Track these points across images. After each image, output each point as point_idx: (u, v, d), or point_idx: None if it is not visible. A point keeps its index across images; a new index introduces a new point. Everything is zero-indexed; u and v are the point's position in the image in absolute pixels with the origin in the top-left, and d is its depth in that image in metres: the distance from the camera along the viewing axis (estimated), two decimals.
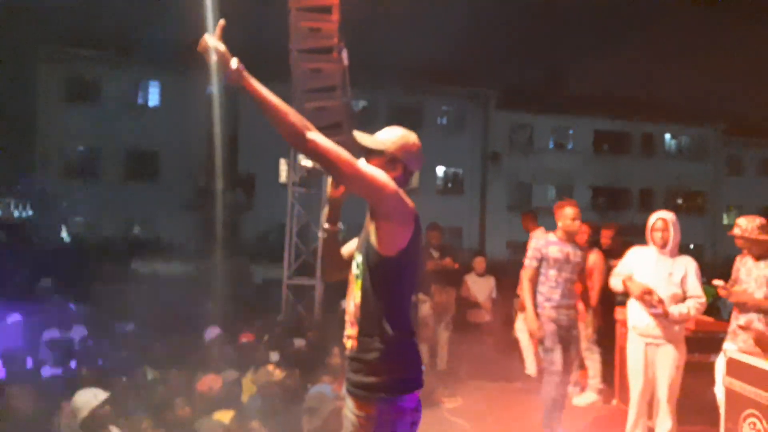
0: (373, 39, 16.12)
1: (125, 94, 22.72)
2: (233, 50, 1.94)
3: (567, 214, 4.51)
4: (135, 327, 6.26)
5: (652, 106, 26.89)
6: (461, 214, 25.00)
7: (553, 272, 4.46)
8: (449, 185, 26.33)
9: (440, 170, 25.98)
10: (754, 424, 3.65)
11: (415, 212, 2.15)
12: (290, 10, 5.59)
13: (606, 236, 6.37)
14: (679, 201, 28.16)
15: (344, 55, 5.95)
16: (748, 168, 29.11)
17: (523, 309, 6.39)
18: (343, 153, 1.98)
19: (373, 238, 2.13)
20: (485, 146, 25.78)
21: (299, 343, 5.64)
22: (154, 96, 23.49)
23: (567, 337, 4.45)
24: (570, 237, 4.53)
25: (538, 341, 4.64)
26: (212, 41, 1.92)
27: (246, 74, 1.92)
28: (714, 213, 28.43)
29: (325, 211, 2.37)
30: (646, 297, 4.12)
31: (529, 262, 4.57)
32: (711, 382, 4.36)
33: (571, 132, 27.38)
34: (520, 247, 6.82)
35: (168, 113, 22.09)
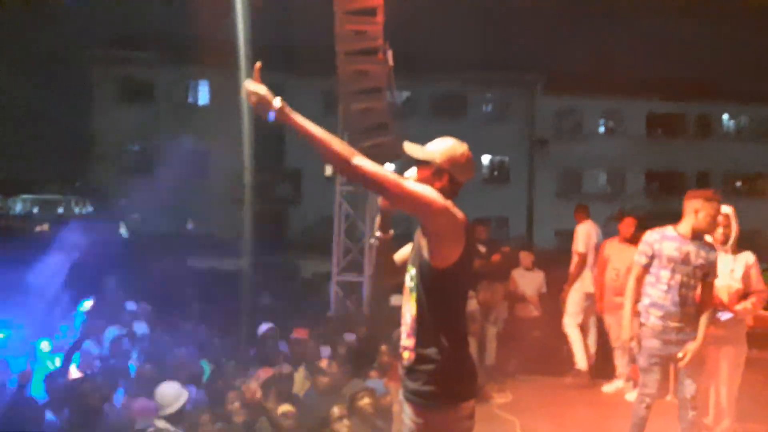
0: (414, 28, 16.04)
1: (176, 94, 23.44)
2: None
3: (717, 208, 3.76)
4: (193, 323, 6.52)
5: (708, 85, 25.75)
6: (507, 204, 24.69)
7: (665, 273, 3.76)
8: (495, 174, 26.01)
9: (486, 159, 25.69)
10: None
11: (466, 223, 2.20)
12: (336, 13, 5.67)
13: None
14: (738, 184, 26.97)
15: (389, 55, 6.00)
16: None
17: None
18: (389, 175, 2.06)
19: (425, 252, 2.19)
20: (531, 133, 25.30)
21: (350, 338, 5.77)
22: (203, 95, 24.15)
23: (671, 357, 3.81)
24: (697, 235, 3.76)
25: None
26: (252, 86, 2.02)
27: (288, 110, 2.02)
28: None
29: (377, 219, 2.43)
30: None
31: (638, 257, 3.92)
32: None
33: (622, 115, 26.52)
34: (569, 236, 6.76)
35: (217, 111, 22.66)
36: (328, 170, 6.48)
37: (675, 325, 3.75)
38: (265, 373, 4.35)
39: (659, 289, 3.80)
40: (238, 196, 22.51)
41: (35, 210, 26.49)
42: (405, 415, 2.28)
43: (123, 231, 21.97)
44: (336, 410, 3.58)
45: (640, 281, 3.91)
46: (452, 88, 24.51)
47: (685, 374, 3.79)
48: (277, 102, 2.01)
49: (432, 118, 23.34)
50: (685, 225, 3.77)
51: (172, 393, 3.50)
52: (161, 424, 3.35)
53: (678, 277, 3.74)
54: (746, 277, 4.08)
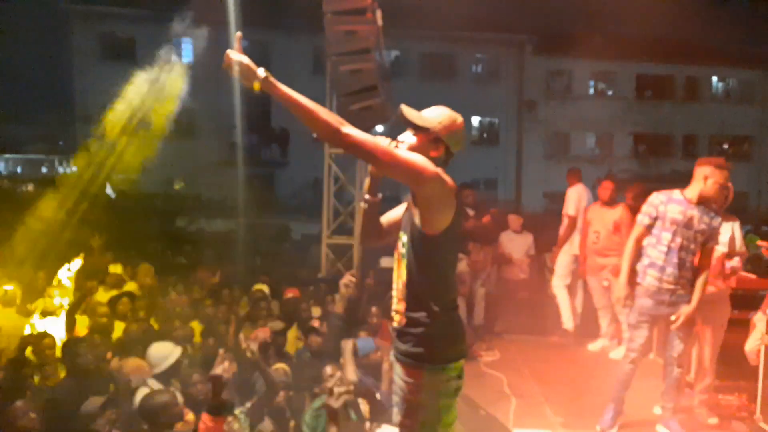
0: None
1: (158, 51, 22.86)
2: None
3: (718, 174, 3.76)
4: (185, 285, 6.53)
5: (698, 48, 25.60)
6: (497, 165, 24.71)
7: (667, 235, 3.83)
8: (484, 135, 25.91)
9: (475, 120, 25.53)
10: None
11: (456, 190, 2.21)
12: None
13: (629, 197, 6.19)
14: (725, 147, 27.14)
15: (378, 15, 5.87)
16: None
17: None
18: (379, 143, 2.05)
19: (417, 219, 2.20)
20: (521, 94, 25.11)
21: (348, 281, 5.80)
22: (187, 53, 23.57)
23: (666, 316, 3.89)
24: (703, 201, 3.81)
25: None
26: (235, 56, 1.98)
27: (273, 81, 1.99)
28: (761, 159, 27.33)
29: (366, 182, 2.43)
30: None
31: (641, 218, 3.97)
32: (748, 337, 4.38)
33: (612, 77, 26.36)
34: (558, 198, 6.80)
35: (202, 70, 22.18)
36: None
37: (670, 287, 3.85)
38: (263, 332, 4.39)
39: (659, 251, 3.87)
40: (225, 157, 22.35)
41: (19, 170, 26.09)
42: (396, 374, 2.34)
43: (109, 191, 21.73)
44: (328, 369, 3.64)
45: (639, 241, 3.96)
46: (442, 48, 24.11)
47: (675, 335, 3.89)
48: (261, 72, 1.98)
49: (421, 79, 23.03)
50: (693, 190, 3.83)
51: (161, 352, 3.53)
52: (152, 383, 3.39)
53: (679, 240, 3.82)
54: (732, 241, 4.16)
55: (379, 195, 2.44)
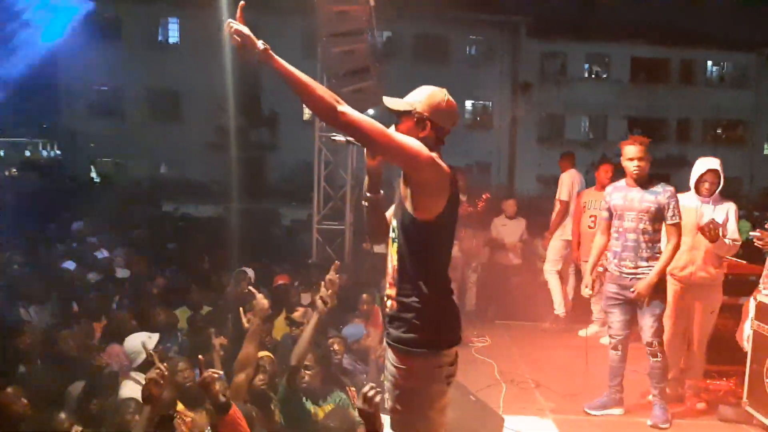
0: None
1: (145, 32, 22.45)
2: None
3: (625, 153, 3.96)
4: (171, 270, 6.47)
5: (694, 31, 25.46)
6: (490, 149, 24.62)
7: (616, 222, 4.03)
8: (478, 119, 25.79)
9: (468, 104, 25.39)
10: None
11: (451, 175, 2.16)
12: None
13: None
14: (719, 131, 27.15)
15: None
16: None
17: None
18: (375, 124, 1.99)
19: (408, 204, 2.15)
20: (515, 77, 24.94)
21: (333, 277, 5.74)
22: (174, 33, 23.21)
23: (632, 300, 3.96)
24: (638, 180, 3.95)
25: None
26: (236, 25, 1.93)
27: (272, 54, 1.93)
28: (754, 143, 27.38)
29: (366, 180, 2.37)
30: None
31: (599, 213, 4.22)
32: (738, 323, 4.37)
33: (607, 60, 26.22)
34: (551, 182, 6.75)
35: (188, 51, 21.86)
36: (307, 114, 6.27)
37: (629, 270, 3.96)
38: (246, 319, 4.32)
39: (614, 238, 4.07)
40: (213, 139, 22.14)
41: (1, 153, 25.76)
42: (388, 360, 2.31)
43: (94, 175, 21.51)
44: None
45: (603, 233, 4.19)
46: (435, 29, 23.86)
47: (645, 321, 3.94)
48: (260, 44, 1.93)
49: (414, 60, 22.82)
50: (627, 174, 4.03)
51: (136, 344, 3.48)
52: (136, 375, 3.34)
53: (626, 223, 3.97)
54: (724, 226, 4.12)
55: (381, 192, 2.39)
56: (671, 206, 3.86)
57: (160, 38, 23.13)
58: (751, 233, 3.96)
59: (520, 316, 6.51)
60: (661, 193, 3.88)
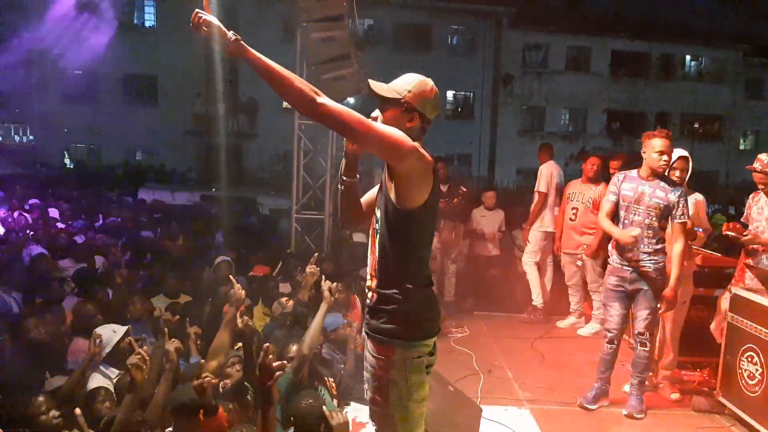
0: None
1: (120, 15, 21.90)
2: None
3: (653, 145, 3.79)
4: (149, 258, 6.35)
5: (674, 25, 25.73)
6: (471, 140, 24.63)
7: (622, 213, 3.93)
8: (459, 110, 25.77)
9: (450, 94, 25.35)
10: (752, 357, 3.75)
11: (434, 164, 2.13)
12: None
13: (614, 167, 6.26)
14: (696, 126, 27.53)
15: None
16: None
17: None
18: (355, 115, 1.93)
19: (392, 194, 2.12)
20: (497, 68, 24.95)
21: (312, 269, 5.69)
22: (150, 16, 22.70)
23: (631, 293, 3.94)
24: (654, 173, 3.84)
25: None
26: (204, 15, 1.86)
27: (244, 45, 1.86)
28: (730, 138, 27.84)
29: (343, 163, 2.32)
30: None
31: (607, 196, 4.08)
32: (713, 315, 4.44)
33: (588, 53, 26.36)
34: (531, 174, 6.75)
35: (165, 35, 21.43)
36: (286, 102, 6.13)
37: (629, 264, 3.90)
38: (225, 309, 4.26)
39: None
40: (190, 126, 21.79)
41: None
42: (367, 350, 2.30)
43: (67, 161, 21.04)
44: (293, 348, 3.55)
45: (608, 216, 4.03)
46: (417, 18, 23.72)
47: (639, 313, 3.93)
48: (231, 34, 1.85)
49: (395, 49, 22.68)
50: (643, 166, 3.91)
51: (106, 335, 3.42)
52: (104, 368, 3.28)
53: (632, 216, 3.87)
54: (694, 218, 4.16)
55: (357, 176, 2.34)
56: (681, 205, 3.80)
57: (136, 21, 22.61)
58: (726, 231, 4.00)
59: (499, 307, 6.53)
60: (672, 191, 3.81)
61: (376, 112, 2.19)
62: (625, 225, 3.89)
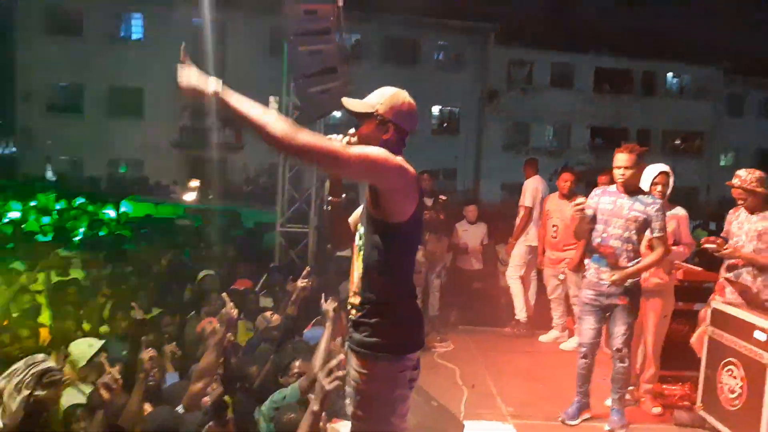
0: None
1: (107, 27, 21.88)
2: None
3: (614, 160, 3.88)
4: (129, 271, 6.28)
5: (656, 43, 26.19)
6: (456, 155, 24.78)
7: (600, 226, 3.94)
8: (444, 125, 25.94)
9: (436, 109, 25.53)
10: (732, 371, 3.77)
11: (417, 178, 2.14)
12: None
13: (602, 182, 6.34)
14: (677, 142, 27.98)
15: None
16: (749, 109, 28.83)
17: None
18: (337, 147, 1.92)
19: (377, 209, 2.12)
20: (483, 84, 25.21)
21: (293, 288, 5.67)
22: (137, 29, 22.66)
23: (606, 307, 3.95)
24: (628, 188, 3.87)
25: None
26: (184, 80, 1.88)
27: (225, 93, 1.85)
28: (711, 155, 28.32)
29: (328, 184, 2.35)
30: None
31: (585, 211, 4.11)
32: (694, 329, 4.47)
33: (571, 70, 26.75)
34: (515, 189, 6.79)
35: (151, 47, 21.39)
36: None
37: (606, 277, 3.89)
38: (208, 324, 4.21)
39: (596, 242, 3.96)
40: (175, 139, 21.68)
41: None
42: (350, 365, 2.28)
43: (50, 173, 20.81)
44: (297, 363, 3.51)
45: (582, 230, 4.08)
46: (404, 33, 23.95)
47: (615, 327, 3.95)
48: (212, 85, 1.85)
49: (382, 64, 22.84)
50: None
51: (82, 349, 3.37)
52: (81, 385, 3.22)
53: (610, 230, 3.89)
54: (676, 233, 4.21)
55: (343, 195, 2.35)
56: (659, 219, 3.82)
57: (123, 34, 22.56)
58: (706, 245, 4.05)
59: (483, 322, 6.53)
60: (651, 204, 3.82)
61: (353, 130, 2.20)
62: (604, 238, 3.90)
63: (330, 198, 2.33)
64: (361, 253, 2.21)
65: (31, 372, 2.63)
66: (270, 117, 1.84)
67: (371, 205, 2.13)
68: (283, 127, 1.83)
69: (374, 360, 2.16)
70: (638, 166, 3.88)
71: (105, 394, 2.49)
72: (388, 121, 2.15)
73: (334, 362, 2.35)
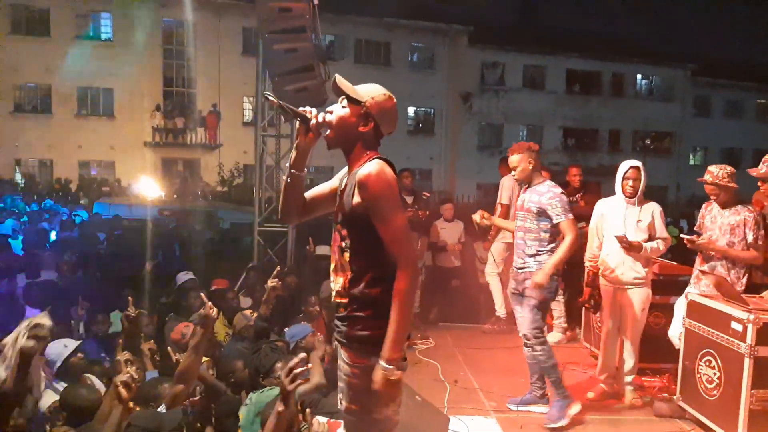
0: None
1: (75, 27, 21.41)
2: None
3: (509, 163, 4.20)
4: (104, 274, 6.14)
5: (625, 45, 26.76)
6: (431, 156, 24.91)
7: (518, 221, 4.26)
8: (420, 125, 26.05)
9: (411, 110, 25.62)
10: (710, 362, 3.84)
11: (397, 181, 2.19)
12: None
13: (573, 174, 6.47)
14: (647, 142, 28.57)
15: None
16: (715, 109, 29.63)
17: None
18: (406, 242, 2.13)
19: (365, 212, 2.13)
20: (456, 85, 25.39)
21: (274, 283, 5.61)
22: (106, 29, 22.21)
23: (520, 294, 4.15)
24: (521, 183, 4.22)
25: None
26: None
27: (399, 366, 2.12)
28: (680, 154, 28.99)
29: (293, 154, 2.29)
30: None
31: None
32: (670, 322, 4.55)
33: (543, 72, 27.11)
34: (491, 189, 6.83)
35: (121, 47, 20.99)
36: (247, 115, 6.04)
37: (518, 266, 4.13)
38: (186, 328, 4.13)
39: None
40: (147, 140, 21.32)
41: None
42: (340, 359, 2.28)
43: (18, 176, 20.27)
44: (279, 364, 3.47)
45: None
46: (377, 35, 23.99)
47: (521, 313, 4.09)
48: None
49: (356, 65, 22.85)
50: None
51: (58, 349, 3.31)
52: (57, 385, 3.15)
53: (518, 222, 4.16)
54: (651, 227, 4.28)
55: (305, 170, 2.32)
56: (553, 206, 3.95)
57: (92, 34, 22.08)
58: (682, 234, 4.13)
59: (463, 318, 6.56)
60: (544, 194, 3.99)
61: (333, 107, 2.22)
62: (515, 231, 4.19)
63: (292, 170, 2.27)
64: (346, 253, 2.21)
65: (26, 324, 2.80)
66: (406, 305, 2.09)
67: (357, 206, 2.14)
68: (411, 288, 2.09)
69: (366, 354, 2.16)
70: (527, 161, 4.05)
71: (124, 392, 2.51)
72: (372, 116, 2.18)
73: (294, 361, 2.33)
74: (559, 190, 4.05)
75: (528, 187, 4.13)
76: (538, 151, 4.14)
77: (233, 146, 20.45)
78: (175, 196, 13.76)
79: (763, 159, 4.14)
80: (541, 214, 3.99)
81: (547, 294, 4.01)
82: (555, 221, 3.96)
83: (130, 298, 4.06)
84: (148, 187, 14.23)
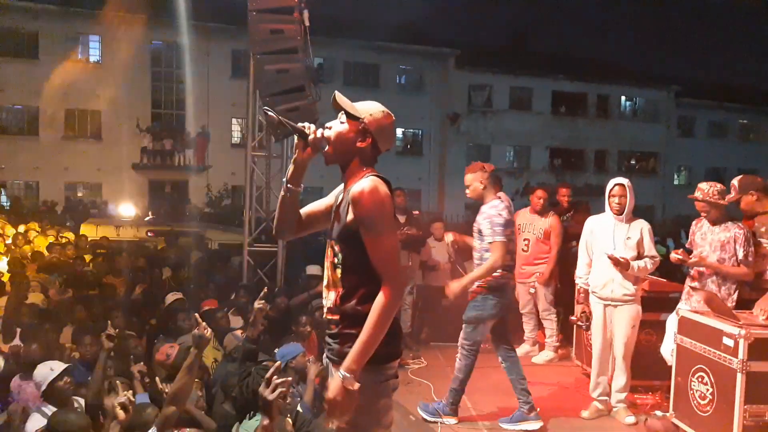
0: None
1: (64, 49, 21.40)
2: None
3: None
4: (94, 296, 6.06)
5: (609, 68, 27.25)
6: (420, 176, 25.03)
7: None
8: (408, 146, 26.24)
9: (399, 131, 25.81)
10: (702, 378, 3.85)
11: (391, 197, 2.20)
12: None
13: (563, 194, 6.55)
14: (633, 162, 28.92)
15: (306, 15, 5.73)
16: (699, 130, 30.13)
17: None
18: (394, 262, 2.14)
19: (357, 230, 2.12)
20: (444, 107, 25.66)
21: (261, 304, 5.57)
22: (95, 51, 22.22)
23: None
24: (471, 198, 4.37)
25: None
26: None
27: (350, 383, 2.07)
28: (665, 174, 29.36)
29: (290, 170, 2.28)
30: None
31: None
32: (662, 339, 4.55)
33: (530, 93, 27.47)
34: (479, 208, 6.82)
35: (110, 69, 21.00)
36: (236, 137, 6.04)
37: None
38: (171, 349, 4.08)
39: None
40: (135, 162, 21.23)
41: None
42: (331, 378, 2.24)
43: (3, 198, 20.05)
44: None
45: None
46: (366, 58, 24.25)
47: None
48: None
49: (345, 87, 22.98)
50: None
51: (45, 372, 3.26)
52: (44, 408, 3.09)
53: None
54: (640, 244, 4.30)
55: (302, 186, 2.31)
56: (485, 226, 4.07)
57: (80, 56, 22.09)
58: (673, 254, 4.18)
59: (454, 338, 6.49)
60: (483, 213, 4.13)
61: (331, 123, 2.23)
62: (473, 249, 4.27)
63: (289, 185, 2.26)
64: (338, 269, 2.20)
65: None
66: (381, 321, 2.07)
67: (350, 223, 2.14)
68: (391, 306, 2.09)
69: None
70: (479, 181, 4.19)
71: (121, 414, 2.51)
72: (370, 133, 2.20)
73: (271, 371, 2.31)
74: (497, 210, 4.08)
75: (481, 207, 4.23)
76: (492, 171, 4.27)
77: (222, 168, 20.41)
78: (162, 217, 13.65)
79: (731, 183, 4.24)
80: (480, 233, 4.11)
81: (479, 312, 4.19)
82: (486, 242, 4.06)
83: (109, 321, 4.02)
84: (135, 209, 14.16)
